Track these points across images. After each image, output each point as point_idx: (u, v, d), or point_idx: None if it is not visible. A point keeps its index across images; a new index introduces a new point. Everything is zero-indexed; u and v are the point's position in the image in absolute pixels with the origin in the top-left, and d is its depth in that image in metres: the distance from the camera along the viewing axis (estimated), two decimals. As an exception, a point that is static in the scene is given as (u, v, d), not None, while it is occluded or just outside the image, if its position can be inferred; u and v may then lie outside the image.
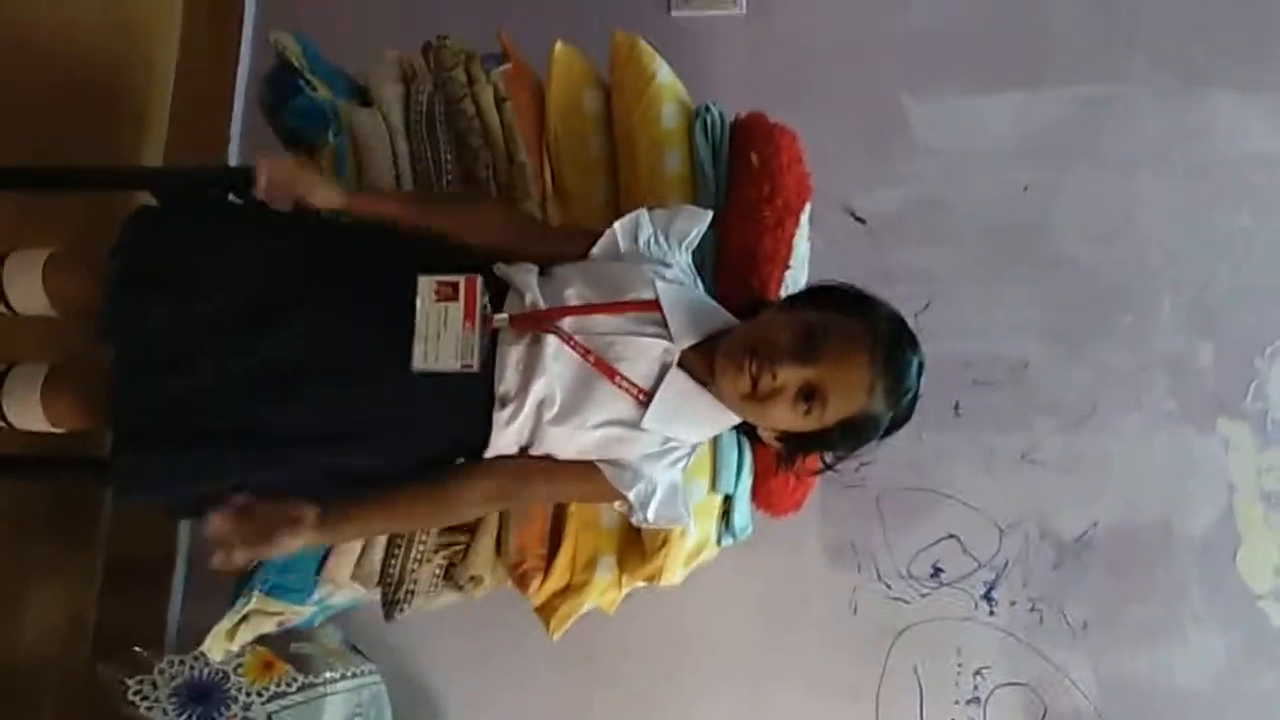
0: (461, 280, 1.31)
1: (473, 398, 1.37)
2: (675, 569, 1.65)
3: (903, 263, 2.22)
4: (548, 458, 1.42)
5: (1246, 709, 2.10)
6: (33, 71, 1.99)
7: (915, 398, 1.38)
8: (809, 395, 1.31)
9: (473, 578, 1.66)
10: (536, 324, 1.37)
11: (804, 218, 1.66)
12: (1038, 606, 2.14)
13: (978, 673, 2.14)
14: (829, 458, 1.47)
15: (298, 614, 1.69)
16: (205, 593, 2.22)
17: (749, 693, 2.17)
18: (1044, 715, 2.12)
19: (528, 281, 1.40)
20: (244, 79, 2.46)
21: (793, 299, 1.49)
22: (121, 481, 1.41)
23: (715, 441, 1.60)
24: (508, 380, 1.36)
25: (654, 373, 1.38)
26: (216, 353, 1.35)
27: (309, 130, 1.66)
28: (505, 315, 1.36)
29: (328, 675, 1.98)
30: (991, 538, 2.17)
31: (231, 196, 1.64)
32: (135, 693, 1.90)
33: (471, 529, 1.67)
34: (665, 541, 1.61)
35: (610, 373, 1.36)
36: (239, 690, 1.93)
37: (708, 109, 1.72)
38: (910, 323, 1.39)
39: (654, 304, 1.39)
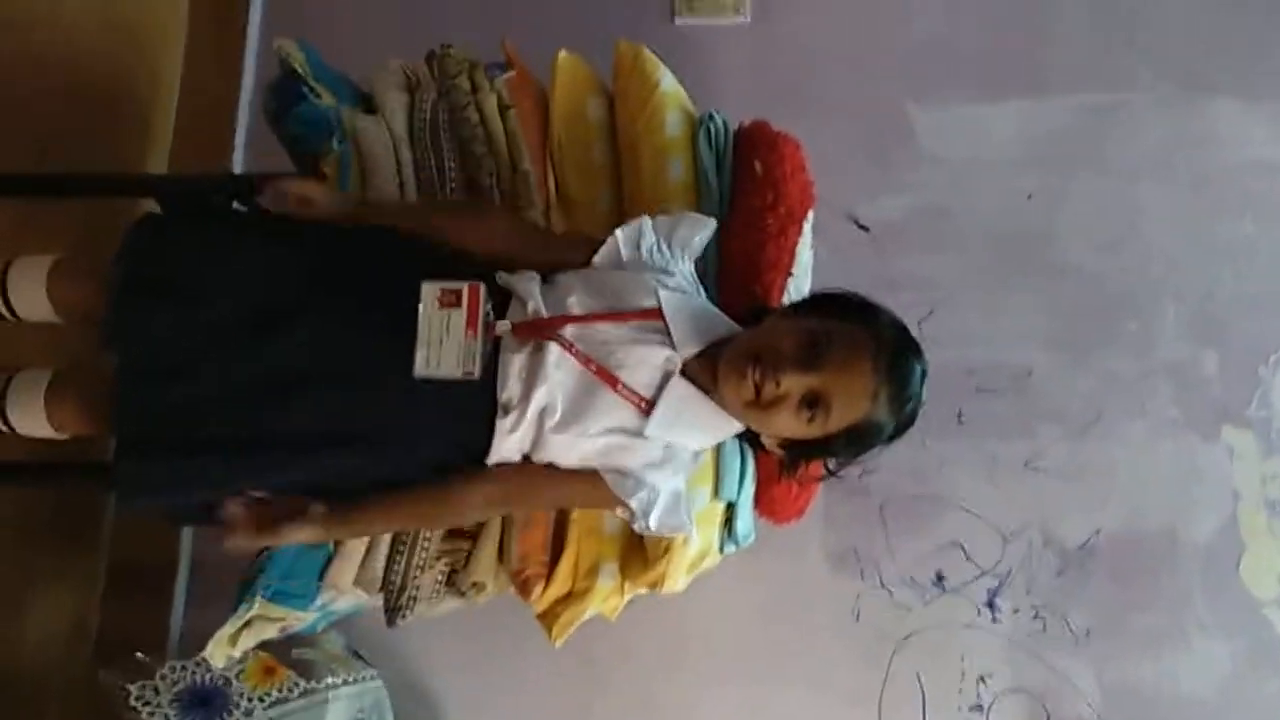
0: (465, 287, 1.32)
1: (476, 405, 1.37)
2: (678, 576, 1.65)
3: (906, 270, 2.22)
4: (550, 465, 1.42)
5: (1251, 716, 2.10)
6: (37, 78, 1.99)
7: (919, 405, 1.38)
8: (812, 403, 1.31)
9: (475, 584, 1.66)
10: (538, 332, 1.37)
11: (807, 225, 1.67)
12: (1041, 614, 2.14)
13: (981, 680, 2.13)
14: (832, 465, 1.47)
15: (300, 620, 1.68)
16: (208, 598, 2.22)
17: (750, 699, 2.16)
18: (1047, 723, 2.12)
19: (530, 290, 1.41)
20: (249, 86, 2.47)
21: (796, 306, 1.49)
22: (125, 488, 1.41)
23: (718, 449, 1.60)
24: (510, 388, 1.36)
25: (656, 381, 1.38)
26: (220, 360, 1.35)
27: (313, 138, 1.66)
28: (508, 323, 1.37)
29: (330, 681, 1.98)
30: (995, 545, 2.16)
31: (236, 204, 1.65)
32: (137, 698, 1.90)
33: (474, 535, 1.67)
34: (668, 549, 1.61)
35: (612, 381, 1.36)
36: (241, 696, 1.93)
37: (711, 117, 1.72)
38: (914, 330, 1.39)
39: (656, 312, 1.39)
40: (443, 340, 1.30)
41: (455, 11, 2.35)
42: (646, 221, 1.48)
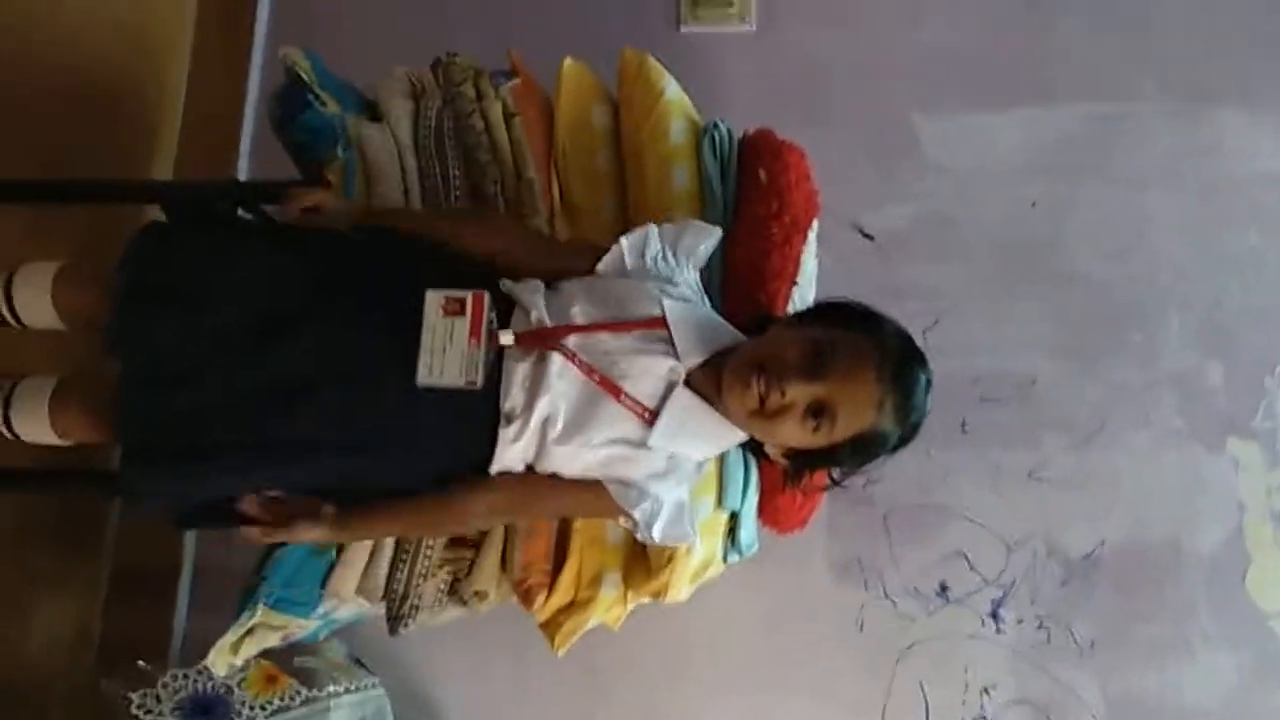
0: (469, 296, 1.32)
1: (478, 412, 1.37)
2: (681, 586, 1.65)
3: (911, 279, 2.22)
4: (554, 475, 1.41)
5: (1256, 728, 2.09)
6: (42, 85, 1.99)
7: (923, 414, 1.37)
8: (817, 412, 1.30)
9: (477, 593, 1.66)
10: (542, 342, 1.36)
11: (812, 234, 1.66)
12: (1045, 624, 2.13)
13: (985, 691, 2.12)
14: (836, 474, 1.47)
15: (302, 628, 1.68)
16: (210, 605, 2.22)
17: (754, 709, 2.16)
18: (1051, 733, 2.11)
19: (534, 299, 1.40)
20: (254, 94, 2.47)
21: (800, 316, 1.49)
22: (130, 493, 1.42)
23: (722, 458, 1.60)
24: (513, 397, 1.36)
25: (660, 391, 1.37)
26: (225, 367, 1.35)
27: (318, 145, 1.67)
28: (511, 332, 1.36)
29: (331, 689, 1.98)
30: (999, 555, 2.16)
31: (240, 211, 1.65)
32: (139, 706, 1.89)
33: (476, 544, 1.67)
34: (671, 558, 1.61)
35: (615, 391, 1.36)
36: (243, 704, 1.92)
37: (716, 125, 1.72)
38: (918, 340, 1.39)
39: (660, 321, 1.38)
40: (446, 349, 1.30)
41: (460, 19, 2.36)
42: (652, 229, 1.48)
